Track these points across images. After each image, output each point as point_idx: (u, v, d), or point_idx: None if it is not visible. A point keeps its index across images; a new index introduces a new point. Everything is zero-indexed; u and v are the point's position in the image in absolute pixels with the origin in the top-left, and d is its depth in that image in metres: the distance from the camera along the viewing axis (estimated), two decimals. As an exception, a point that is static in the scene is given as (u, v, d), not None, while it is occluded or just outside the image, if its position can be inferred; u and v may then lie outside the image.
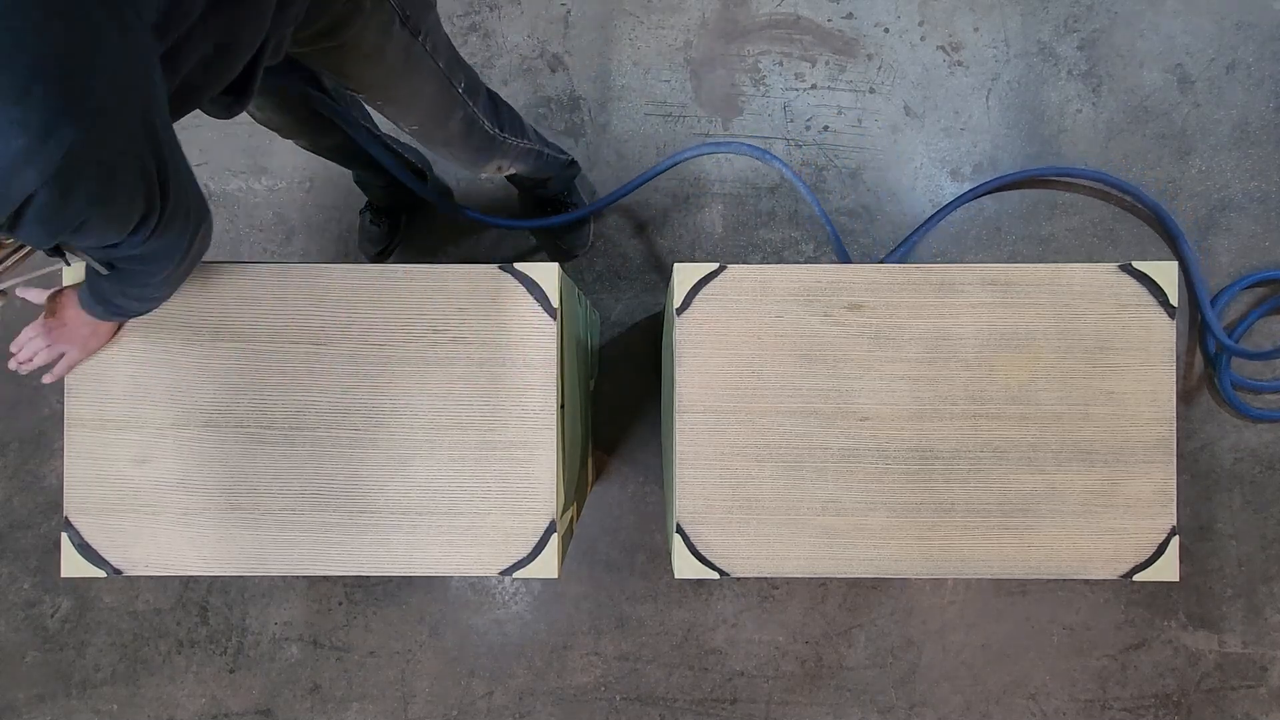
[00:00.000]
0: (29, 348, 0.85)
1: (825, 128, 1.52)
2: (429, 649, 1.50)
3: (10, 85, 0.41)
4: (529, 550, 0.89)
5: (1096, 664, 1.49)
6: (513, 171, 1.23)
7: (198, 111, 0.72)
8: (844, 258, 1.36)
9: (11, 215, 0.46)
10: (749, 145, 1.22)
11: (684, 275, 0.89)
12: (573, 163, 1.39)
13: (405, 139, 1.21)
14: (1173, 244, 1.49)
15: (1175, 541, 0.89)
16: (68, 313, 0.83)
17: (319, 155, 1.17)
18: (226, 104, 0.74)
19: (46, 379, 0.87)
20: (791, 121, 1.52)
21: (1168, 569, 0.89)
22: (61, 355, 0.85)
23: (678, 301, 0.89)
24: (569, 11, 1.51)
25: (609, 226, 1.52)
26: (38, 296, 0.86)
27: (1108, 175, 1.48)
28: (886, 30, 1.52)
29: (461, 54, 1.00)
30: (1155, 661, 1.49)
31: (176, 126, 0.60)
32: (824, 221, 1.31)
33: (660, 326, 1.48)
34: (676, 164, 1.29)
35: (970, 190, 1.49)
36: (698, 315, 0.89)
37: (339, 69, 0.86)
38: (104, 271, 0.73)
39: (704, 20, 1.52)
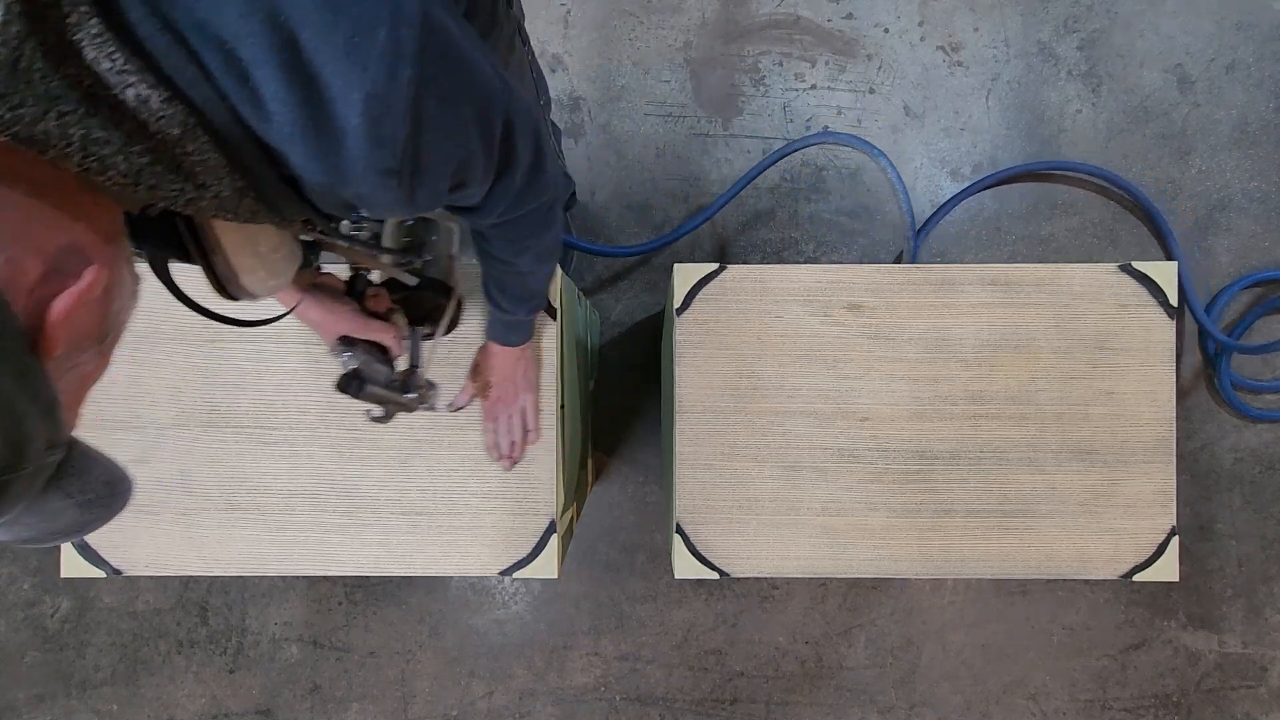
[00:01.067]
0: (503, 440, 0.86)
1: (825, 128, 1.52)
2: (429, 649, 1.50)
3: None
4: (529, 550, 0.89)
5: (1096, 664, 1.49)
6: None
7: None
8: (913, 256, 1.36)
9: (409, 145, 0.39)
10: (863, 141, 1.23)
11: (684, 275, 0.89)
12: (573, 194, 1.41)
13: None
14: (1162, 243, 1.49)
15: (1175, 541, 0.89)
16: (498, 370, 0.84)
17: None
18: None
19: (532, 439, 0.88)
20: (791, 121, 1.51)
21: (1168, 569, 0.89)
22: (523, 409, 0.86)
23: (678, 301, 0.89)
24: (569, 11, 1.51)
25: (609, 227, 1.52)
26: (465, 396, 0.87)
27: (1104, 170, 1.48)
28: (886, 30, 1.52)
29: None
30: (1155, 661, 1.49)
31: None
32: (907, 214, 1.32)
33: (660, 326, 1.48)
34: (769, 164, 1.30)
35: (978, 181, 1.48)
36: (698, 315, 0.89)
37: None
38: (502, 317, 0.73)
39: (704, 20, 1.52)
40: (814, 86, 1.52)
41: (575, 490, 1.10)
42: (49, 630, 1.50)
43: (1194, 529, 1.49)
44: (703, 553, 0.89)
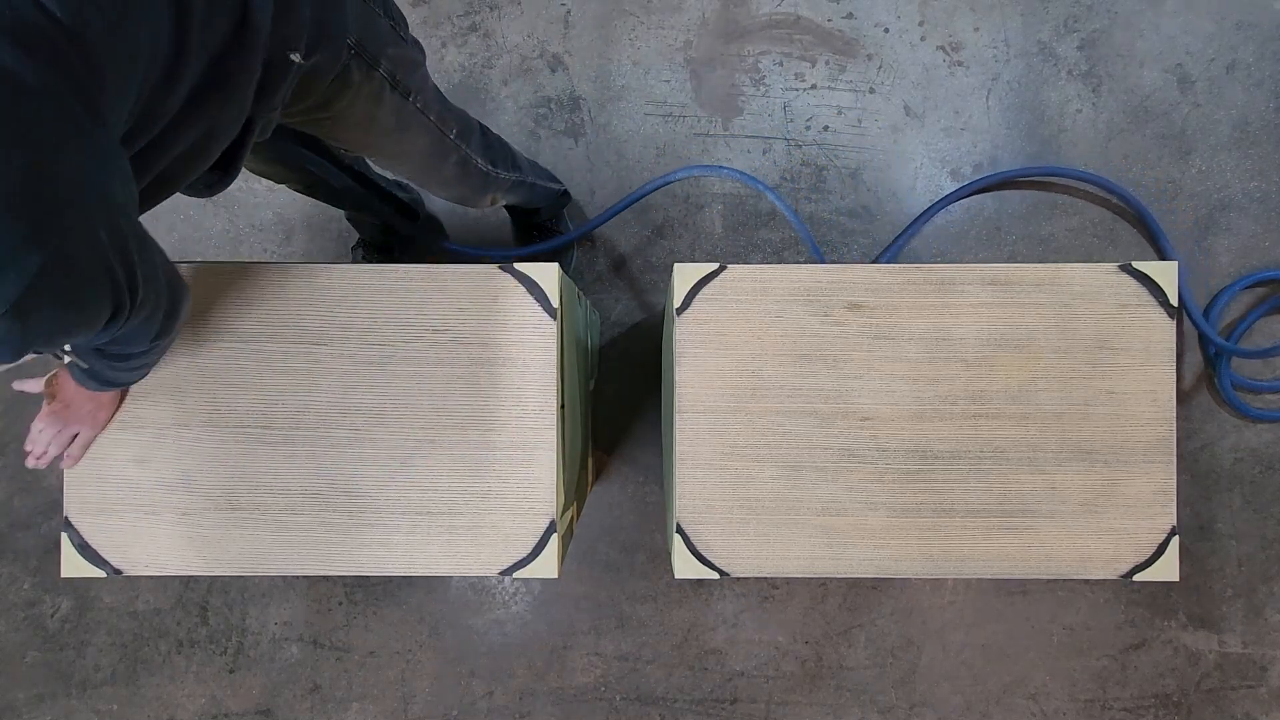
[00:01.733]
0: (40, 441, 0.84)
1: (825, 128, 1.52)
2: (429, 649, 1.50)
3: None
4: (529, 550, 0.89)
5: (1096, 664, 1.49)
6: (506, 203, 1.25)
7: None
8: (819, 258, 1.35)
9: None
10: (731, 170, 1.21)
11: (684, 275, 0.89)
12: (565, 194, 1.42)
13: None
14: (1156, 246, 1.49)
15: (1175, 541, 0.89)
16: (68, 393, 0.82)
17: (311, 198, 1.16)
18: (209, 183, 0.73)
19: (65, 464, 0.86)
20: (791, 121, 1.52)
21: (1168, 569, 0.89)
22: (75, 436, 0.85)
23: (678, 301, 0.89)
24: (569, 11, 1.51)
25: (609, 227, 1.52)
26: (34, 386, 0.85)
27: (1093, 175, 1.48)
28: (886, 30, 1.52)
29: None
30: (1155, 661, 1.49)
31: None
32: (798, 228, 1.30)
33: (660, 326, 1.48)
34: (645, 194, 1.24)
35: (954, 191, 1.48)
36: (698, 315, 0.89)
37: (331, 135, 0.86)
38: (83, 365, 0.73)
39: (704, 20, 1.52)
40: (814, 86, 1.52)
41: (575, 490, 1.10)
42: (49, 630, 1.50)
43: (1194, 529, 1.49)
44: (703, 553, 0.89)
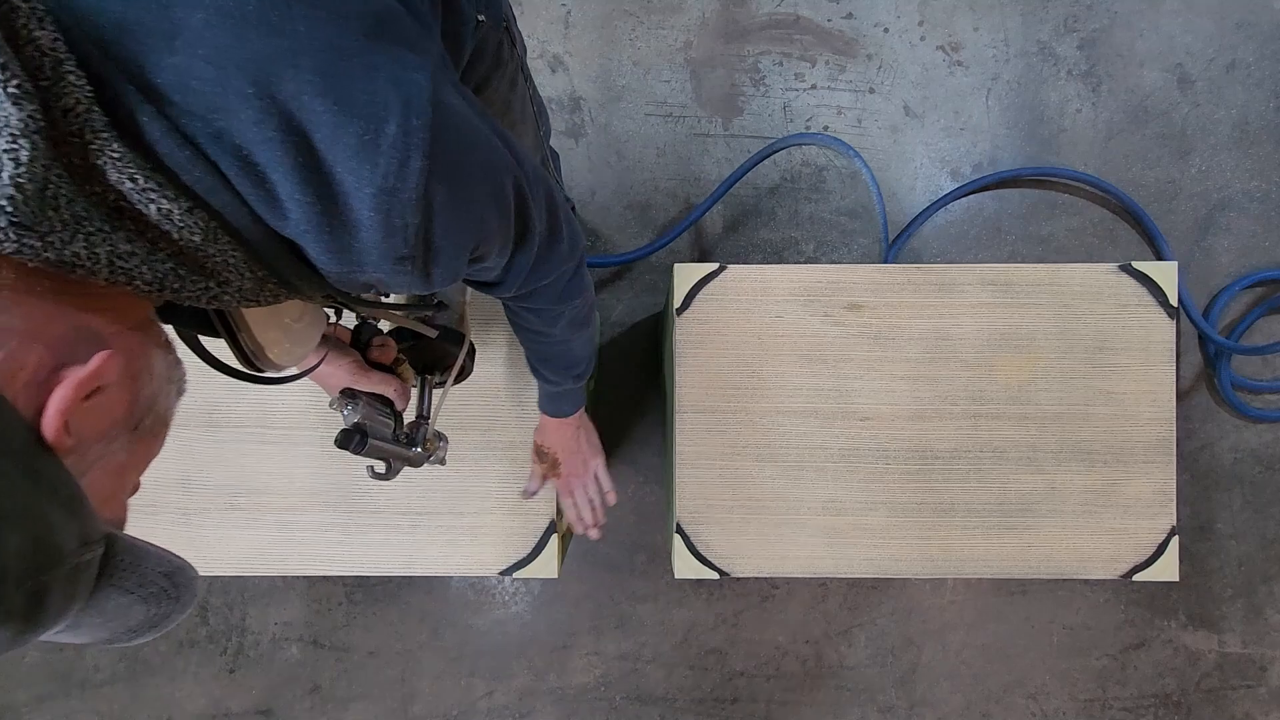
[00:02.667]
0: (583, 510, 0.86)
1: (825, 128, 1.51)
2: (429, 649, 1.50)
3: (355, 74, 0.36)
4: (529, 550, 0.89)
5: (1096, 664, 1.49)
6: None
7: None
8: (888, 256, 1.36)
9: (422, 233, 0.39)
10: (835, 139, 1.21)
11: (684, 275, 0.89)
12: (573, 207, 1.41)
13: None
14: (1153, 245, 1.49)
15: (1175, 541, 0.89)
16: (560, 446, 0.84)
17: None
18: None
19: (611, 499, 0.88)
20: (791, 121, 1.51)
21: (1168, 569, 0.89)
22: (594, 474, 0.87)
23: (678, 301, 0.89)
24: (569, 11, 1.51)
25: (610, 227, 1.51)
26: (536, 484, 0.87)
27: (1092, 176, 1.48)
28: (886, 30, 1.51)
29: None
30: (1155, 661, 1.49)
31: None
32: (879, 207, 1.30)
33: (660, 326, 1.48)
34: (754, 165, 1.26)
35: (954, 191, 1.48)
36: (698, 315, 0.89)
37: None
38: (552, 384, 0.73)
39: (704, 20, 1.52)
40: (814, 86, 1.52)
41: (575, 490, 1.11)
42: (49, 630, 1.50)
43: (1194, 529, 1.49)
44: (703, 553, 0.89)
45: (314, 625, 1.50)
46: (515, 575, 0.89)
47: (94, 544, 0.33)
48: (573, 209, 1.44)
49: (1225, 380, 1.47)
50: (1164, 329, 0.88)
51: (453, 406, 0.88)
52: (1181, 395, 1.50)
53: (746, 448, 0.89)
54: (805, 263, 1.39)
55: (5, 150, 0.29)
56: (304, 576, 1.49)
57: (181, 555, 0.40)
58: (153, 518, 0.88)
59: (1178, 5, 1.51)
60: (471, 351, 0.79)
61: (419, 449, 0.70)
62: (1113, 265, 0.88)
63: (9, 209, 0.29)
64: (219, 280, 0.38)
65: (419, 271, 0.41)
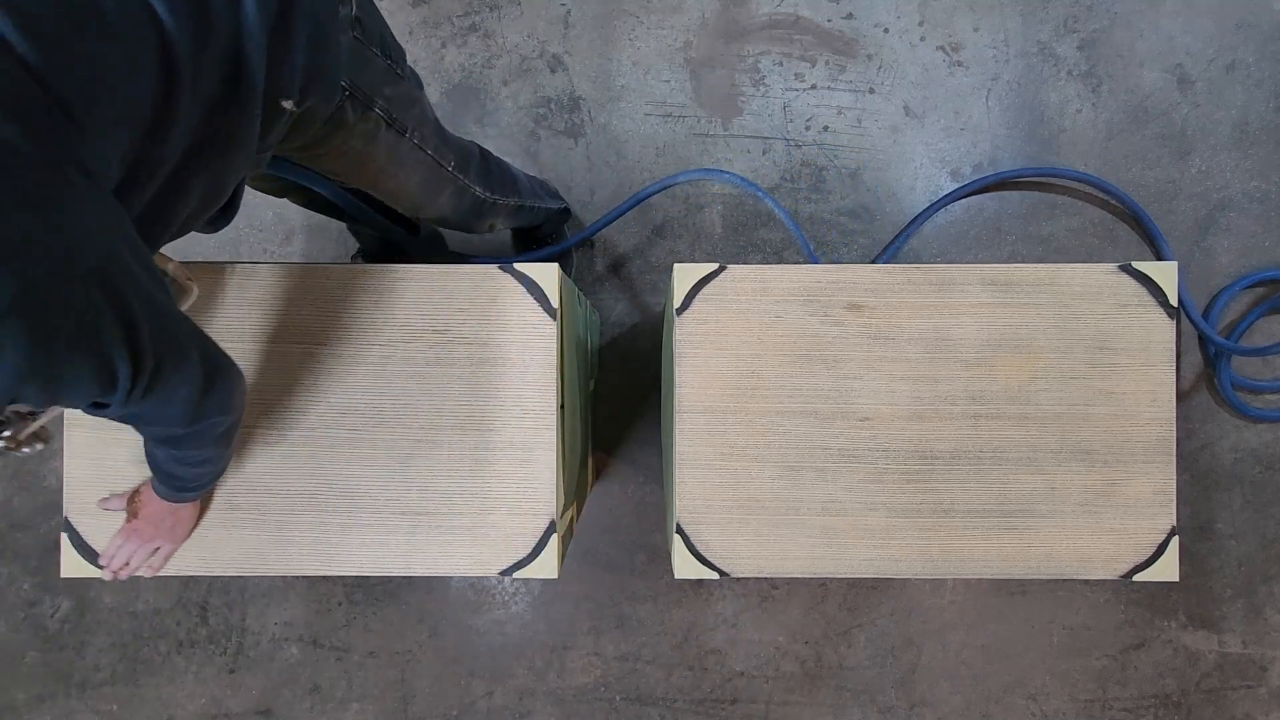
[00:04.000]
0: (120, 556, 0.85)
1: (825, 128, 1.52)
2: (429, 649, 1.50)
3: None
4: (529, 550, 0.89)
5: (1096, 664, 1.49)
6: (505, 227, 1.24)
7: None
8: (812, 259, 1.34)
9: None
10: (731, 174, 1.18)
11: (684, 275, 0.89)
12: (565, 209, 1.41)
13: None
14: (1153, 245, 1.49)
15: (1175, 541, 0.89)
16: (148, 509, 0.84)
17: (311, 210, 1.15)
18: (211, 220, 0.72)
19: (145, 573, 0.87)
20: (791, 121, 1.52)
21: (1168, 569, 0.89)
22: (155, 550, 0.86)
23: (678, 301, 0.89)
24: (569, 11, 1.51)
25: (610, 227, 1.52)
26: (117, 505, 0.86)
27: (1091, 176, 1.48)
28: (886, 30, 1.52)
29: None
30: (1155, 661, 1.49)
31: None
32: (794, 232, 1.29)
33: (660, 326, 1.48)
34: (642, 199, 1.21)
35: (954, 191, 1.48)
36: (698, 315, 0.89)
37: (326, 168, 0.85)
38: (158, 465, 0.74)
39: (704, 20, 1.52)
40: (814, 86, 1.52)
41: (575, 490, 1.10)
42: (49, 630, 1.50)
43: (1194, 529, 1.49)
44: (703, 553, 0.89)
45: (314, 625, 1.50)
46: (515, 575, 0.89)
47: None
48: (566, 210, 1.43)
49: (1225, 380, 1.47)
50: (1164, 329, 0.88)
51: (453, 406, 0.88)
52: (1181, 395, 1.50)
53: (746, 448, 0.89)
54: (804, 263, 1.39)
55: None
56: (304, 576, 1.49)
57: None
58: (152, 518, 0.88)
59: (1178, 5, 1.51)
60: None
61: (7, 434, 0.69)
62: (1113, 265, 0.88)
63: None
64: None
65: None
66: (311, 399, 0.88)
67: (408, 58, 0.84)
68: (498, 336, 0.89)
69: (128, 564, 0.85)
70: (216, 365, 0.64)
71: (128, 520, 0.85)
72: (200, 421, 0.65)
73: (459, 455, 0.89)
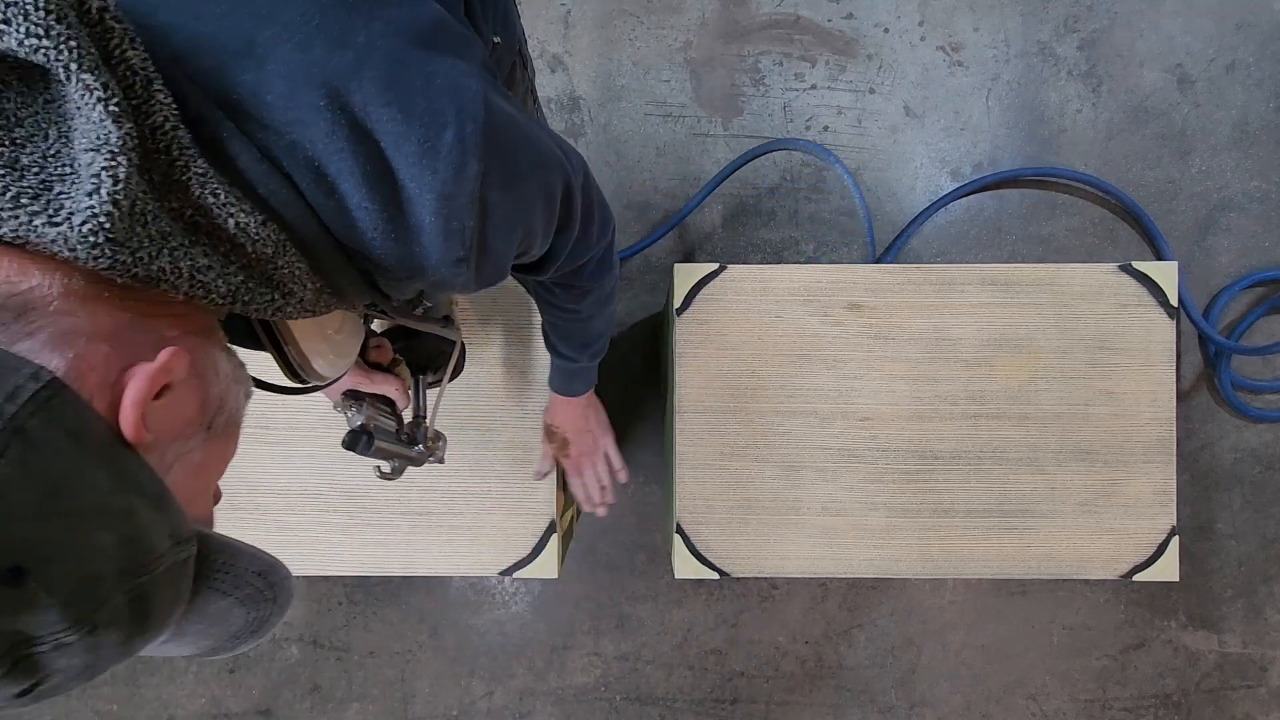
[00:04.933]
0: (593, 490, 0.87)
1: (825, 128, 1.51)
2: (429, 649, 1.50)
3: (414, 82, 0.37)
4: (529, 550, 0.89)
5: (1096, 664, 1.49)
6: None
7: None
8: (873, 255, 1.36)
9: (477, 232, 0.41)
10: (807, 142, 1.20)
11: (684, 275, 0.89)
12: None
13: None
14: (1153, 245, 1.49)
15: (1175, 541, 0.89)
16: (569, 427, 0.85)
17: None
18: None
19: (622, 477, 0.89)
20: (791, 121, 1.51)
21: (1168, 569, 0.89)
22: (604, 453, 0.88)
23: (678, 301, 0.89)
24: (569, 11, 1.51)
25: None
26: (547, 463, 0.87)
27: (1091, 176, 1.48)
28: (886, 30, 1.51)
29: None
30: (1155, 661, 1.49)
31: None
32: (863, 214, 1.30)
33: (660, 326, 1.48)
34: (727, 175, 1.26)
35: (954, 191, 1.48)
36: (698, 315, 0.89)
37: None
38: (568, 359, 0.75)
39: (704, 20, 1.52)
40: (814, 86, 1.52)
41: (575, 490, 1.10)
42: (49, 630, 1.50)
43: (1194, 529, 1.49)
44: (703, 553, 0.89)
45: (314, 625, 1.50)
46: (515, 575, 0.89)
47: (186, 542, 0.33)
48: None
49: (1225, 380, 1.47)
50: (1164, 329, 0.88)
51: (453, 406, 0.88)
52: (1181, 395, 1.50)
53: (746, 448, 0.89)
54: (805, 263, 1.39)
55: (105, 168, 0.29)
56: (304, 576, 1.49)
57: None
58: (152, 518, 0.88)
59: (1178, 5, 1.51)
60: (463, 349, 0.79)
61: (420, 447, 0.71)
62: (1113, 265, 0.88)
63: (107, 225, 0.30)
64: (284, 292, 0.38)
65: (471, 270, 0.43)
66: (311, 399, 0.88)
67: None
68: (499, 336, 0.89)
69: (601, 486, 0.87)
70: (608, 212, 0.63)
71: (565, 458, 0.86)
72: (610, 227, 0.64)
73: (459, 455, 0.89)
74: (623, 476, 0.88)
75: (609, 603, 1.49)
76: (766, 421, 0.89)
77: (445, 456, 0.76)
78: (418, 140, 0.36)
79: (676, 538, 0.89)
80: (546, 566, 0.89)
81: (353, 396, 0.66)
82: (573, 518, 1.13)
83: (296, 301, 0.39)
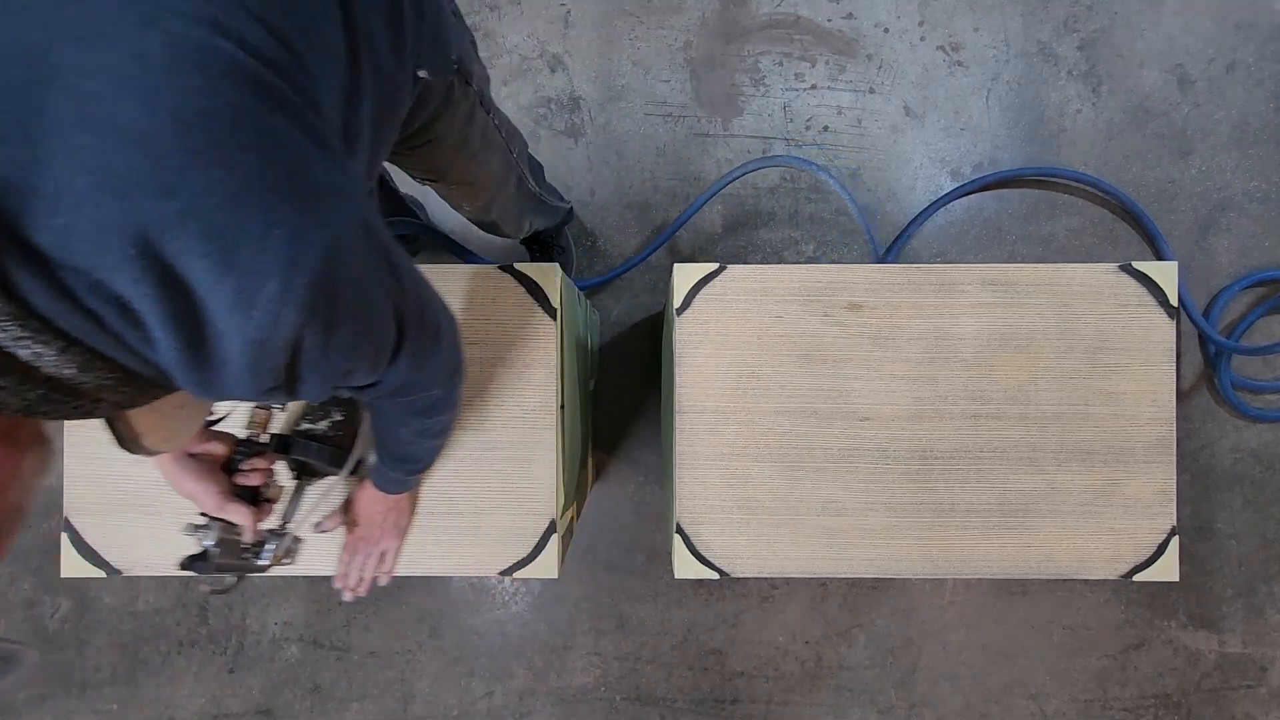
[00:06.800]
0: (354, 572, 0.86)
1: (825, 128, 1.52)
2: (429, 649, 1.50)
3: (249, 232, 0.37)
4: (529, 550, 0.89)
5: (1096, 664, 1.49)
6: (535, 228, 1.24)
7: None
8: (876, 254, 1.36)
9: (287, 370, 0.41)
10: (796, 159, 1.20)
11: (684, 275, 0.89)
12: (570, 210, 1.42)
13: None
14: (1152, 245, 1.49)
15: (1175, 541, 0.89)
16: (366, 513, 0.84)
17: None
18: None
19: (383, 581, 0.88)
20: (791, 121, 1.51)
21: (1168, 569, 0.89)
22: (382, 553, 0.87)
23: (678, 301, 0.89)
24: (569, 11, 1.51)
25: (609, 226, 1.51)
26: (333, 523, 0.86)
27: (1091, 176, 1.48)
28: (886, 30, 1.52)
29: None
30: (1155, 661, 1.49)
31: None
32: (859, 218, 1.30)
33: (660, 326, 1.48)
34: (715, 192, 1.27)
35: (953, 191, 1.48)
36: (698, 315, 0.89)
37: (427, 163, 0.84)
38: (387, 471, 0.75)
39: (704, 20, 1.52)
40: (814, 86, 1.52)
41: (575, 490, 1.10)
42: (49, 630, 1.50)
43: (1194, 529, 1.49)
44: (703, 553, 0.89)
45: (314, 625, 1.50)
46: (515, 575, 0.89)
47: None
48: (571, 210, 1.43)
49: (1225, 380, 1.47)
50: (1164, 329, 0.88)
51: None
52: (1181, 395, 1.50)
53: (746, 448, 0.89)
54: (805, 263, 1.39)
55: None
56: (304, 576, 1.49)
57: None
58: (153, 518, 0.88)
59: (1178, 5, 1.51)
60: (364, 455, 0.81)
61: (265, 560, 0.75)
62: (1113, 265, 0.88)
63: None
64: (94, 399, 0.39)
65: (285, 396, 0.44)
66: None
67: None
68: (498, 336, 0.89)
69: (362, 578, 0.86)
70: (449, 315, 0.62)
71: (348, 533, 0.86)
72: (454, 375, 0.65)
73: (459, 455, 0.89)
74: (384, 580, 0.88)
75: (609, 603, 1.49)
76: (766, 421, 0.89)
77: (297, 558, 0.80)
78: (232, 290, 0.37)
79: (676, 538, 0.89)
80: (546, 566, 0.89)
81: (203, 523, 0.70)
82: (573, 518, 1.13)
83: (110, 404, 0.40)
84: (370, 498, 0.83)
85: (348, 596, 0.86)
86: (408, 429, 0.70)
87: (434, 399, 0.65)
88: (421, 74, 0.64)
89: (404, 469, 0.78)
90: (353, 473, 0.81)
